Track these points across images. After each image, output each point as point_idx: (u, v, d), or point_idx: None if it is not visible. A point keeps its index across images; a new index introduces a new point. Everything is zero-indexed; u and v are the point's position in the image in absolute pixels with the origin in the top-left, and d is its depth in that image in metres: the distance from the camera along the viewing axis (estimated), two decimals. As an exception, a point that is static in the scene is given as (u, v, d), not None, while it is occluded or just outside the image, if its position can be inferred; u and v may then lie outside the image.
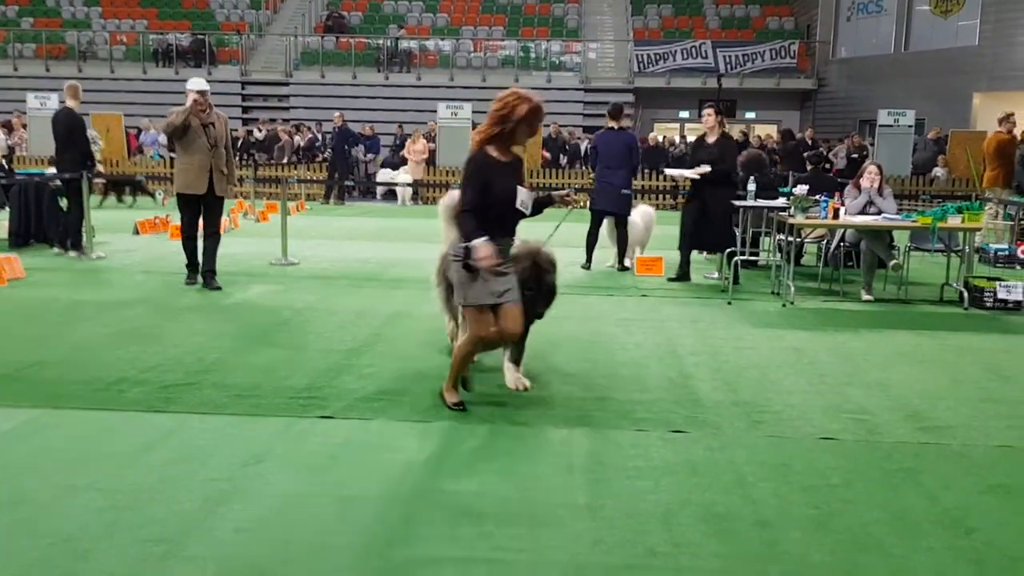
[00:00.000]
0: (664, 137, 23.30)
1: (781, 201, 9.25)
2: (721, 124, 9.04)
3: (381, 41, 26.96)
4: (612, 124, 9.99)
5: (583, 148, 19.86)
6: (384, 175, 19.27)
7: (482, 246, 4.32)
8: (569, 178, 19.14)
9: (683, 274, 9.26)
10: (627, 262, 10.02)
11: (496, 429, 4.49)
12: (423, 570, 3.04)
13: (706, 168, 8.78)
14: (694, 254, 9.61)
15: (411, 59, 26.65)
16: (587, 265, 9.95)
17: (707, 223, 8.94)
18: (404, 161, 19.73)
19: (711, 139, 9.04)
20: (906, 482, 3.91)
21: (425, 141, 19.70)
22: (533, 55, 26.95)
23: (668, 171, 9.77)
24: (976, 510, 3.60)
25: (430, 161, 19.72)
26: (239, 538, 3.24)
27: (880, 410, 4.95)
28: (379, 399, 4.95)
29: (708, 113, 9.10)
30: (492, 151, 4.54)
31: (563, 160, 20.97)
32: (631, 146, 9.97)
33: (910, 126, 19.24)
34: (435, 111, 20.22)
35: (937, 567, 3.11)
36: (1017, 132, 14.71)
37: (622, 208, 9.81)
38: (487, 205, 4.45)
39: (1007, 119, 13.89)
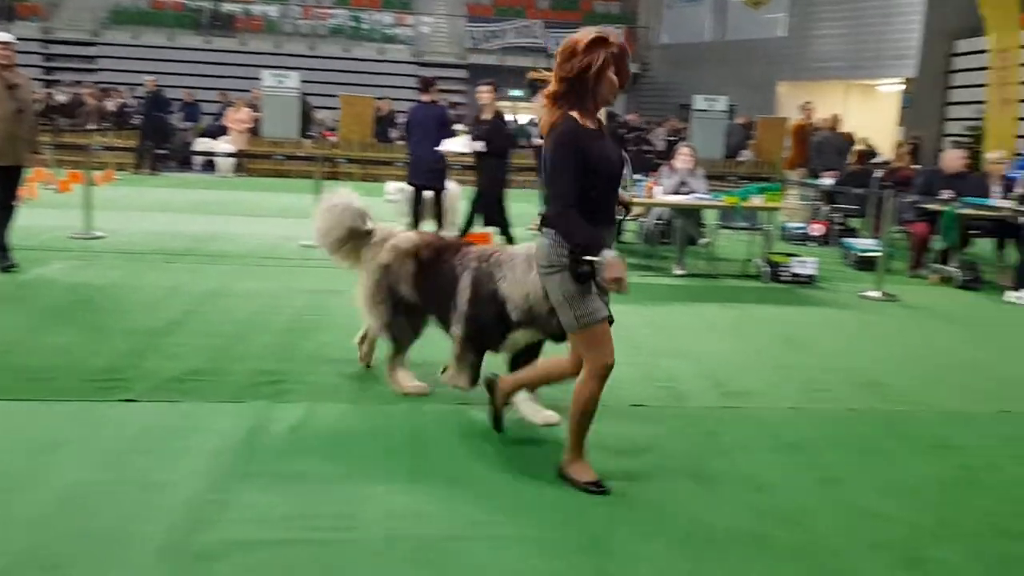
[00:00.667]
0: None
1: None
2: (494, 100, 8.99)
3: (202, 2, 25.60)
4: (424, 97, 9.78)
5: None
6: (203, 144, 18.38)
7: (615, 261, 3.28)
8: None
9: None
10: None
11: (315, 408, 4.41)
12: (233, 554, 2.96)
13: (479, 145, 8.80)
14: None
15: (234, 23, 25.49)
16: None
17: (482, 199, 9.04)
18: (225, 130, 18.90)
19: (486, 116, 9.04)
20: (708, 445, 4.17)
21: (248, 110, 18.93)
22: (365, 25, 26.42)
23: (440, 147, 9.71)
24: (768, 468, 3.89)
25: (253, 131, 18.99)
26: (31, 530, 3.04)
27: (687, 378, 5.24)
28: (189, 380, 4.73)
29: (484, 90, 9.03)
30: (579, 118, 3.39)
31: (391, 135, 20.74)
32: (442, 119, 9.79)
33: (723, 111, 20.32)
34: (259, 79, 19.47)
35: (730, 521, 3.34)
36: (815, 120, 15.89)
37: (436, 181, 9.77)
38: (588, 187, 3.36)
39: (805, 107, 15.05)
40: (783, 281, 8.67)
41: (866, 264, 9.55)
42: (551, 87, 3.43)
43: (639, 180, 8.63)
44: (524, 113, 25.71)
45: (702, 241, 9.09)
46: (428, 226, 10.01)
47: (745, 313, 7.27)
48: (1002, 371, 5.70)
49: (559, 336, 3.92)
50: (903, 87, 20.93)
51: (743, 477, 3.77)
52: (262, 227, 10.35)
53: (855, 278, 9.07)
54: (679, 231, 8.99)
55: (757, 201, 8.68)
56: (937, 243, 9.14)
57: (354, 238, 4.77)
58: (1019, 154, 12.80)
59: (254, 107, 19.11)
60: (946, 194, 9.06)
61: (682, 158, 9.27)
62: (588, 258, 3.31)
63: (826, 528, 3.32)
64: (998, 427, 4.61)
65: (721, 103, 19.94)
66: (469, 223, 9.28)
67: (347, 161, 16.55)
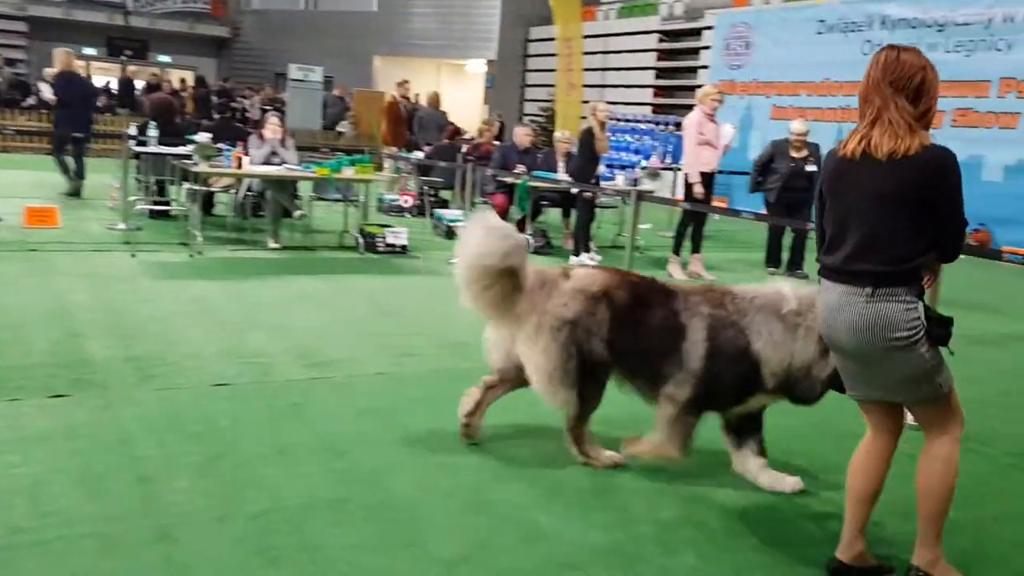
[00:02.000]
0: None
1: (185, 149, 9.05)
2: None
3: None
4: None
5: None
6: None
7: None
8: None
9: None
10: None
11: None
12: None
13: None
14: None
15: None
16: None
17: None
18: None
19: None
20: (291, 417, 4.15)
21: None
22: None
23: None
24: (350, 434, 3.98)
25: None
26: None
27: (276, 352, 5.18)
28: None
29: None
30: None
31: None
32: None
33: (319, 82, 20.29)
34: None
35: (307, 489, 3.36)
36: (412, 96, 16.46)
37: None
38: None
39: (402, 84, 15.48)
40: (378, 252, 8.92)
41: (454, 233, 10.15)
42: None
43: (227, 150, 8.29)
44: (100, 74, 23.37)
45: (297, 213, 9.02)
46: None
47: (339, 284, 7.36)
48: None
49: (808, 401, 3.52)
50: (486, 68, 22.55)
51: (325, 446, 3.81)
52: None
53: (445, 247, 9.59)
54: (272, 203, 8.83)
55: (348, 173, 8.80)
56: (514, 212, 10.01)
57: (505, 279, 3.57)
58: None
59: None
60: (519, 168, 9.94)
61: (271, 127, 9.09)
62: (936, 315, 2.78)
63: (403, 485, 3.48)
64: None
65: (317, 74, 19.90)
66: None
67: None
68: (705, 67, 17.11)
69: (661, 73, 18.87)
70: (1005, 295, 9.22)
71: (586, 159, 9.26)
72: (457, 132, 14.64)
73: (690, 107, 8.88)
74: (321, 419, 4.15)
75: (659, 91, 18.86)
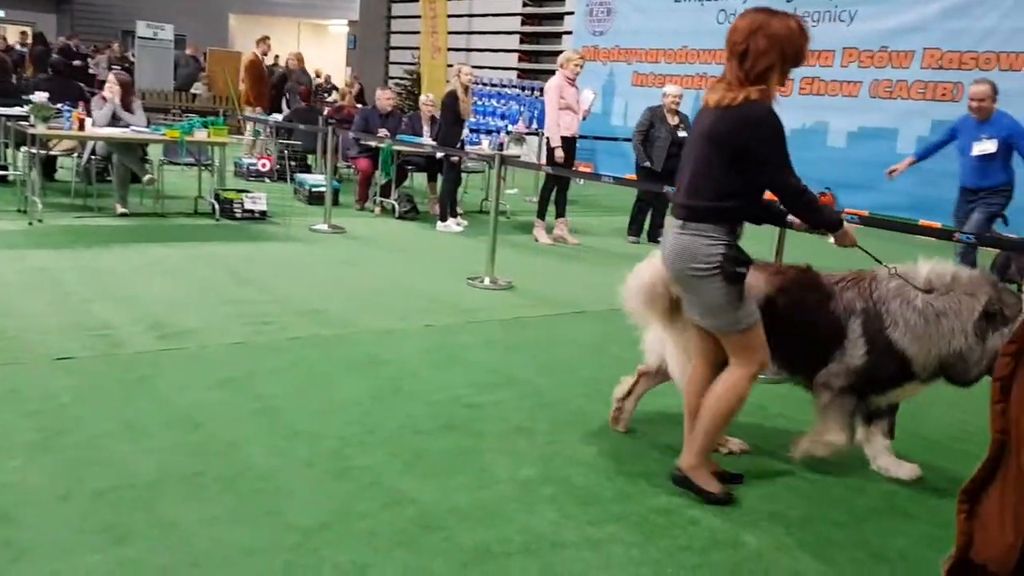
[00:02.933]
0: None
1: (21, 110, 8.44)
2: None
3: None
4: None
5: None
6: None
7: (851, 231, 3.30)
8: None
9: None
10: None
11: None
12: None
13: None
14: None
15: None
16: None
17: None
18: None
19: None
20: (141, 390, 3.97)
21: None
22: None
23: None
24: (205, 405, 3.84)
25: None
26: None
27: (124, 323, 4.93)
28: None
29: None
30: None
31: None
32: None
33: (170, 41, 19.28)
34: None
35: (158, 464, 3.23)
36: (272, 56, 15.72)
37: None
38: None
39: (263, 41, 14.62)
40: (236, 218, 8.61)
41: (317, 199, 9.93)
42: None
43: (67, 111, 7.77)
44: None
45: (146, 178, 8.58)
46: None
47: (194, 251, 7.07)
48: (429, 291, 6.38)
49: (968, 382, 3.38)
50: (348, 29, 22.00)
51: (178, 419, 3.67)
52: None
53: (307, 212, 9.38)
54: (118, 167, 8.36)
55: (201, 135, 8.42)
56: (378, 177, 9.86)
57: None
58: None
59: None
60: (382, 132, 9.78)
61: (109, 87, 8.57)
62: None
63: (260, 455, 3.39)
64: (422, 340, 5.15)
65: (168, 31, 18.93)
66: None
67: None
68: (569, 32, 17.25)
69: (526, 38, 18.91)
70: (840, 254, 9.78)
71: (450, 123, 9.19)
72: (311, 93, 14.18)
73: (555, 72, 8.90)
74: (173, 391, 3.99)
75: (524, 56, 18.91)
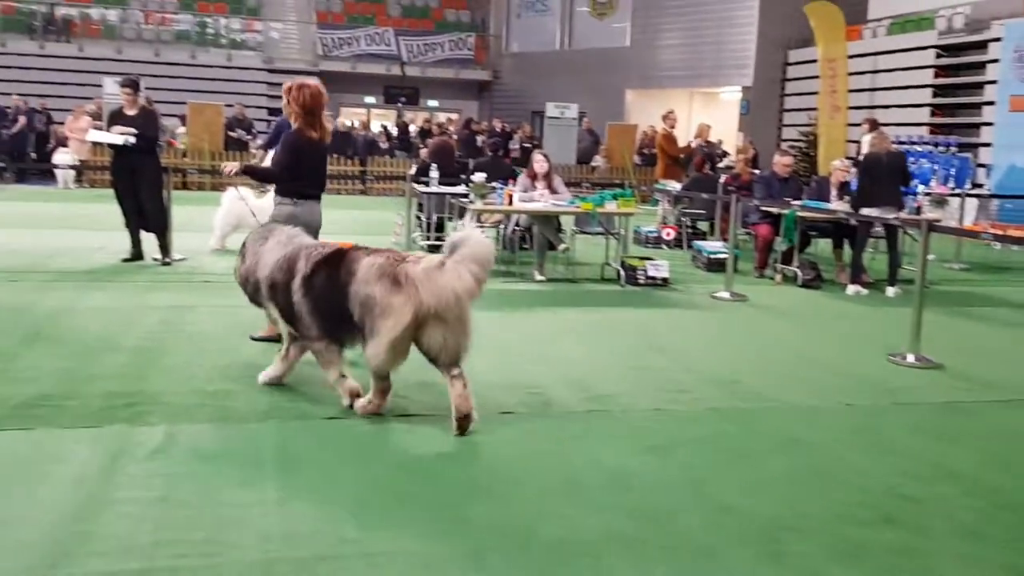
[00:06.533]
0: (352, 122, 23.19)
1: (462, 188, 9.64)
2: (137, 98, 9.01)
3: (35, 6, 23.98)
4: None
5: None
6: (59, 157, 17.23)
7: None
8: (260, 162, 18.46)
9: (136, 254, 9.04)
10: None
11: (175, 429, 4.24)
12: (96, 590, 2.81)
13: (132, 131, 8.71)
14: None
15: (71, 28, 24.03)
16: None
17: (142, 201, 8.91)
18: (64, 141, 17.83)
19: (132, 112, 8.93)
20: (575, 449, 4.27)
21: (90, 118, 17.92)
22: (211, 31, 25.50)
23: (91, 136, 10.11)
24: (634, 469, 4.03)
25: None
26: None
27: (552, 383, 5.34)
28: (40, 405, 4.46)
29: (123, 92, 9.05)
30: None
31: (253, 143, 20.27)
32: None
33: (574, 118, 20.84)
34: (100, 86, 18.44)
35: (604, 524, 3.44)
36: (683, 128, 16.11)
37: None
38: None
39: (669, 115, 15.09)
40: (639, 284, 8.98)
41: (716, 266, 10.02)
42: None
43: (498, 187, 8.73)
44: (377, 120, 25.55)
45: (561, 247, 9.30)
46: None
47: (604, 316, 7.48)
48: (844, 366, 6.09)
49: None
50: (740, 94, 22.07)
51: (612, 481, 3.88)
52: (108, 241, 9.78)
53: (706, 280, 9.50)
54: (538, 237, 9.16)
55: (611, 207, 8.95)
56: (779, 244, 9.70)
57: None
58: (851, 158, 13.68)
59: (95, 116, 18.13)
60: (795, 203, 9.58)
61: (538, 164, 9.44)
62: None
63: (693, 526, 3.46)
64: (843, 420, 4.93)
65: (572, 110, 20.46)
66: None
67: (197, 172, 15.93)
68: (993, 82, 15.70)
69: (939, 91, 17.54)
70: None
71: (880, 184, 8.77)
72: (706, 162, 14.39)
73: (974, 126, 8.14)
74: (604, 453, 4.22)
75: (937, 110, 17.53)
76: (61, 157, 17.05)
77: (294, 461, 3.94)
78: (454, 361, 4.34)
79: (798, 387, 5.52)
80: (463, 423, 4.31)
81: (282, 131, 9.91)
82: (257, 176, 6.59)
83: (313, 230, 5.52)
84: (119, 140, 8.64)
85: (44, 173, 17.97)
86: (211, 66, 23.78)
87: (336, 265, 4.44)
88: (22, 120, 19.14)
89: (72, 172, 17.12)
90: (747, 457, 4.27)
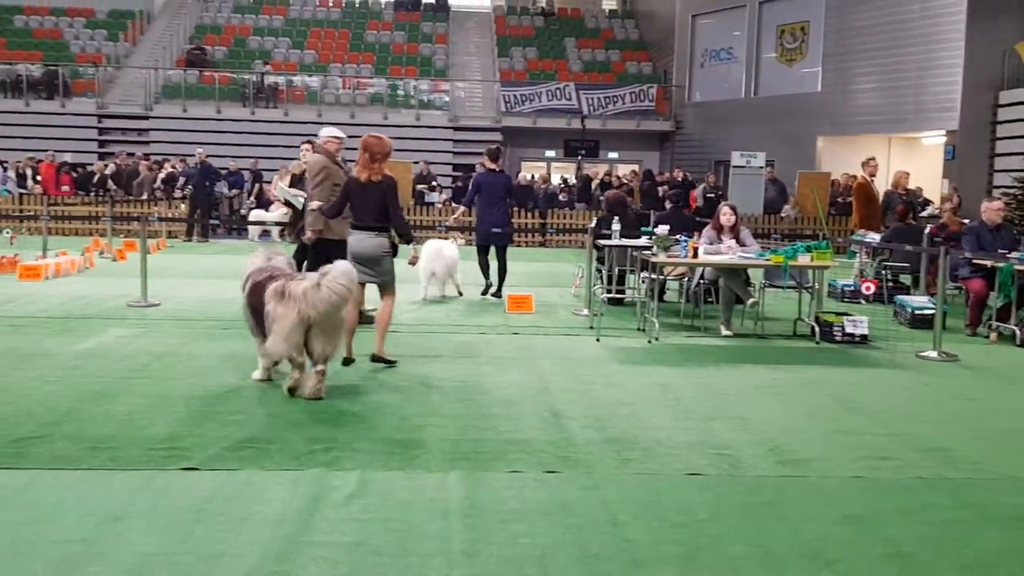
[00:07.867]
0: (532, 175, 23.73)
1: (644, 240, 9.58)
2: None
3: (247, 76, 26.40)
4: (491, 165, 10.77)
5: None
6: (257, 215, 18.74)
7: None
8: (441, 215, 19.21)
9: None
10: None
11: (369, 476, 4.41)
12: (296, 630, 2.93)
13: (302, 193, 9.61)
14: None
15: (278, 95, 26.23)
16: (489, 285, 10.91)
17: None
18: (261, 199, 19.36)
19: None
20: (769, 515, 4.06)
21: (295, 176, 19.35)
22: (401, 92, 27.05)
23: (279, 192, 11.60)
24: (834, 540, 3.78)
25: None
26: (95, 606, 3.04)
27: (742, 444, 5.14)
28: (247, 447, 4.78)
29: (305, 148, 10.16)
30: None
31: (439, 197, 21.19)
32: (508, 186, 11.03)
33: (761, 167, 20.31)
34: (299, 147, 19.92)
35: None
36: (880, 175, 15.26)
37: (501, 241, 10.74)
38: None
39: (868, 163, 14.27)
40: (835, 341, 8.53)
41: (921, 323, 9.38)
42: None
43: (682, 240, 8.61)
44: (557, 172, 25.98)
45: (749, 301, 9.00)
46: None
47: (796, 375, 7.14)
48: (1071, 434, 5.51)
49: None
50: (945, 139, 20.77)
51: (810, 551, 3.66)
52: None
53: (910, 337, 8.89)
54: (724, 290, 8.92)
55: (804, 260, 8.59)
56: (995, 300, 8.95)
57: None
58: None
59: (300, 176, 19.54)
60: (1014, 255, 8.84)
61: (724, 217, 9.23)
62: None
63: (901, 605, 3.20)
64: (1072, 494, 4.43)
65: (759, 159, 19.97)
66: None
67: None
68: None
69: None
70: None
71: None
72: (907, 211, 13.53)
73: None
74: (800, 521, 4.00)
75: None
76: (271, 215, 18.43)
77: (479, 512, 3.98)
78: (325, 360, 5.84)
79: (1018, 456, 5.02)
80: (297, 395, 5.81)
81: (480, 186, 10.54)
82: (323, 213, 7.53)
83: (362, 258, 6.66)
84: (292, 199, 9.52)
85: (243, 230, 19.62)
86: (401, 125, 25.09)
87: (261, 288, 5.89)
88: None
89: (273, 228, 18.46)
90: (960, 532, 3.91)
